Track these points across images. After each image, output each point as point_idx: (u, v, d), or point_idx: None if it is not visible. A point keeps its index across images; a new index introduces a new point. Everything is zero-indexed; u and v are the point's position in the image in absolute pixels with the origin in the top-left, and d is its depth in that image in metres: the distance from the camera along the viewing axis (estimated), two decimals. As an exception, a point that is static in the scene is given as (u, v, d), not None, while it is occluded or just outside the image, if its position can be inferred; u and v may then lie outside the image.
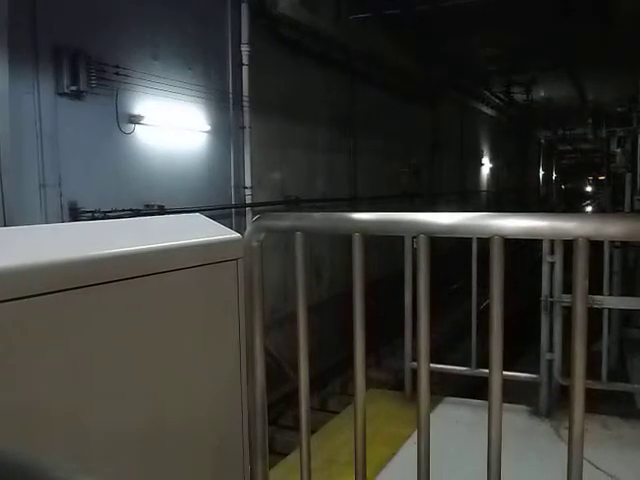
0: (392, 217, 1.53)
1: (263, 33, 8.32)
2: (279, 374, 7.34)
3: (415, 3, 9.93)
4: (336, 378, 8.68)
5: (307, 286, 1.68)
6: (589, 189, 47.72)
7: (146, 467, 1.39)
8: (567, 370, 1.38)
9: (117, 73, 5.90)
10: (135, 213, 6.00)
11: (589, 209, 33.32)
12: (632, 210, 10.60)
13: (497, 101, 20.75)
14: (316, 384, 7.56)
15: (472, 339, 3.91)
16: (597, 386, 3.59)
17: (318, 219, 1.73)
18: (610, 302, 3.95)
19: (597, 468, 2.85)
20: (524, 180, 29.19)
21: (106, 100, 5.88)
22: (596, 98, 19.29)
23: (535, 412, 3.59)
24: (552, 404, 3.60)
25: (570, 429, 1.32)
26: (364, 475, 1.61)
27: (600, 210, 22.00)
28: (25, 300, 1.11)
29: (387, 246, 10.24)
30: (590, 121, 15.93)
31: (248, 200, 8.06)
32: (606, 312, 3.96)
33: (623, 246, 8.11)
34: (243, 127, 7.97)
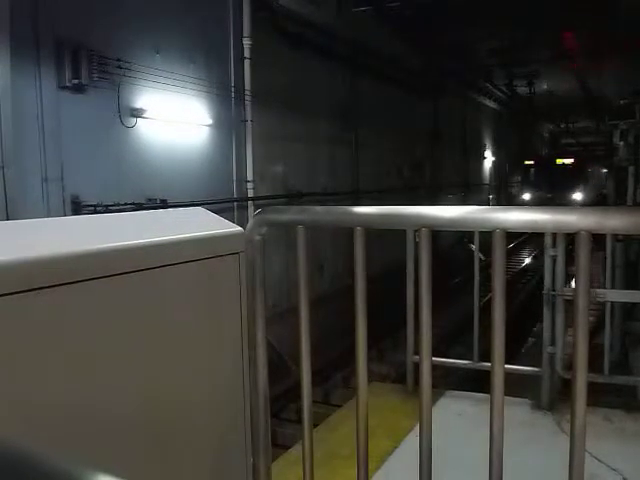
0: (394, 210, 1.52)
1: (265, 26, 8.30)
2: (281, 367, 7.35)
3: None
4: (338, 372, 8.69)
5: (309, 279, 1.69)
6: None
7: (148, 459, 1.39)
8: (569, 363, 1.38)
9: (119, 67, 5.90)
10: (137, 207, 6.01)
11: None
12: (635, 203, 10.56)
13: (500, 94, 20.69)
14: (317, 378, 7.57)
15: (474, 332, 3.92)
16: (599, 379, 3.58)
17: (320, 213, 1.73)
18: (612, 295, 3.94)
19: (599, 461, 2.85)
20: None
21: (108, 94, 5.87)
22: (599, 91, 19.22)
23: (537, 405, 3.59)
24: (554, 397, 3.60)
25: (572, 422, 1.32)
26: (366, 468, 1.62)
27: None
28: (28, 293, 1.11)
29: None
30: (593, 114, 15.90)
31: (250, 194, 8.06)
32: (608, 305, 3.95)
33: (626, 239, 8.08)
34: (245, 120, 7.97)
